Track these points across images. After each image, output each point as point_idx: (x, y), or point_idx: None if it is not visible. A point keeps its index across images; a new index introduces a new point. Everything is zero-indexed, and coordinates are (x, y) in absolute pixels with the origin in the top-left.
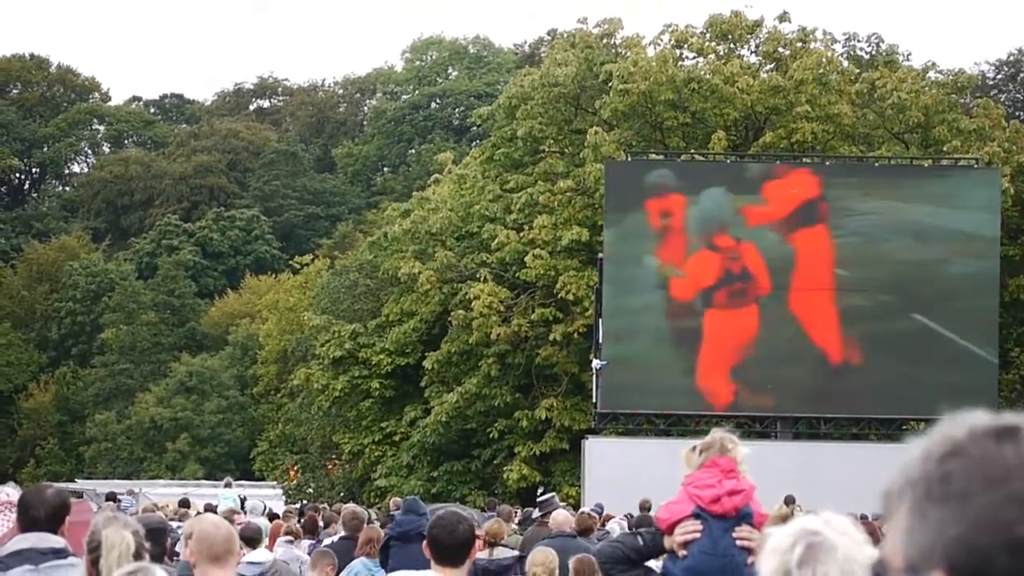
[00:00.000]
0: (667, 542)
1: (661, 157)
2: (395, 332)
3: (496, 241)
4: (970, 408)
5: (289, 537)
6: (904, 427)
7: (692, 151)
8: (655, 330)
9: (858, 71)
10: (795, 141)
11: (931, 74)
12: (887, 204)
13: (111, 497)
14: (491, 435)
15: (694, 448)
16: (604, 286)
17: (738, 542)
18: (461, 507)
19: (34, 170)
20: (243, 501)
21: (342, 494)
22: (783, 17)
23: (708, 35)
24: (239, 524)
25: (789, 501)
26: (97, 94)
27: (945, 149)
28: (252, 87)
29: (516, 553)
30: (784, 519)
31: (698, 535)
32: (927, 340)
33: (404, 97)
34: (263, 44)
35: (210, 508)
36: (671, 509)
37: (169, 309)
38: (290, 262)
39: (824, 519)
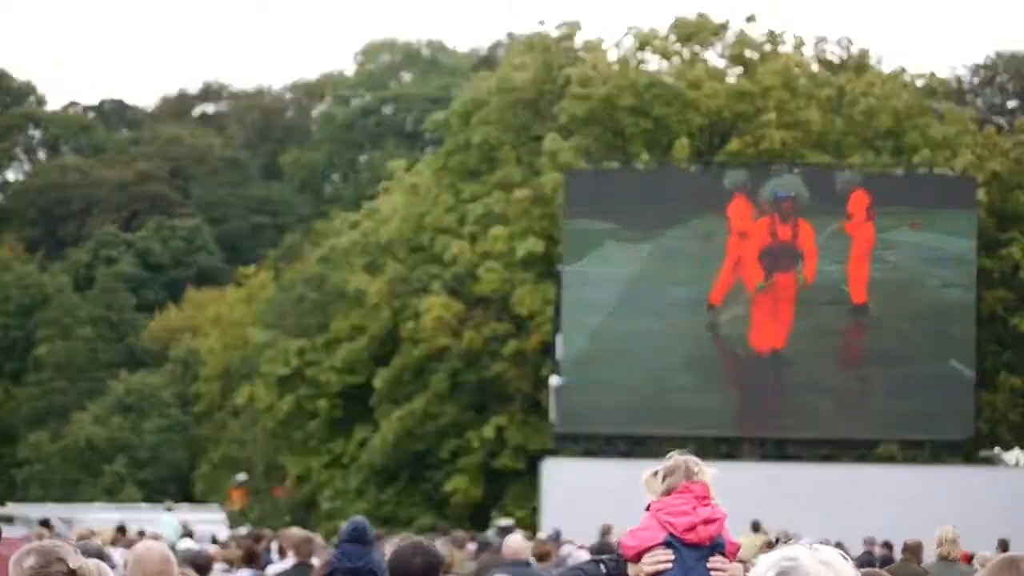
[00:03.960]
0: (632, 571)
1: (621, 165)
2: (344, 349)
3: (449, 253)
4: (946, 431)
5: (225, 565)
6: (876, 448)
7: (654, 159)
8: (616, 346)
9: (828, 75)
10: (763, 149)
11: (902, 78)
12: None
13: (45, 523)
14: (442, 455)
15: (655, 473)
16: (563, 300)
17: (712, 573)
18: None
19: None
20: (185, 527)
21: (287, 519)
22: (751, 19)
23: (672, 37)
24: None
25: (756, 527)
26: (33, 98)
27: (916, 160)
28: (196, 92)
29: None
30: (768, 546)
31: (670, 565)
32: (901, 360)
33: (354, 102)
34: (208, 47)
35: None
36: (638, 536)
37: (107, 323)
38: (234, 274)
39: (812, 550)
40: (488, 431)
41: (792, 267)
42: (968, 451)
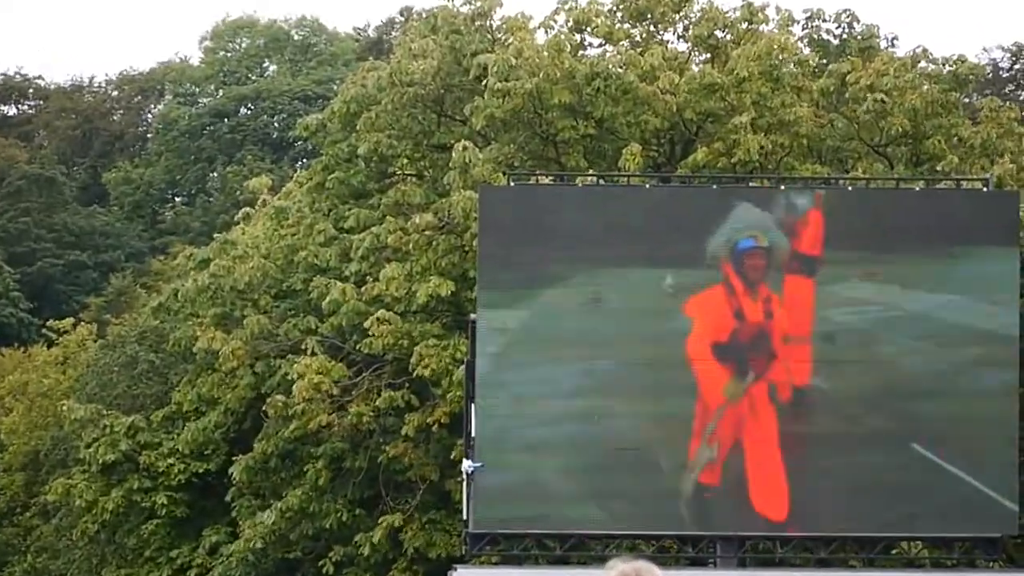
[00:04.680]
0: None
1: (555, 181)
2: (190, 428)
3: (329, 300)
4: (982, 526)
5: None
6: (894, 550)
7: (597, 173)
8: (549, 418)
9: (823, 61)
10: (738, 160)
11: (922, 65)
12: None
13: None
14: (324, 568)
15: None
16: (478, 359)
17: None
18: None
19: None
20: None
21: None
22: None
23: (619, 14)
24: None
25: None
26: None
27: (940, 168)
28: None
29: None
30: None
31: None
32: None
33: (203, 101)
34: (6, 30)
35: None
36: None
37: None
38: (44, 329)
39: None
40: (378, 534)
41: (766, 370)
42: (1011, 551)
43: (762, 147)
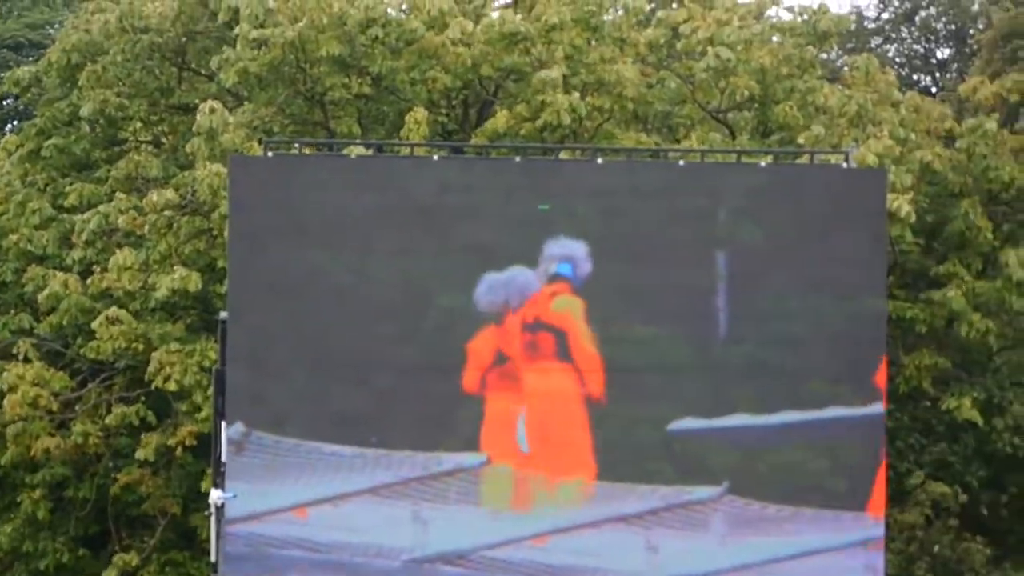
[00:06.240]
0: None
1: (322, 150)
2: None
3: (47, 294)
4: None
5: None
6: None
7: (374, 141)
8: (316, 436)
9: (652, 6)
10: (545, 123)
11: (772, 13)
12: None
13: None
14: None
15: None
16: (229, 367)
17: None
18: None
19: None
20: None
21: None
22: None
23: None
24: None
25: None
26: None
27: (802, 140)
28: None
29: None
30: None
31: None
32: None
33: None
34: None
35: None
36: None
37: None
38: None
39: None
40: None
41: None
42: None
43: (575, 111)
